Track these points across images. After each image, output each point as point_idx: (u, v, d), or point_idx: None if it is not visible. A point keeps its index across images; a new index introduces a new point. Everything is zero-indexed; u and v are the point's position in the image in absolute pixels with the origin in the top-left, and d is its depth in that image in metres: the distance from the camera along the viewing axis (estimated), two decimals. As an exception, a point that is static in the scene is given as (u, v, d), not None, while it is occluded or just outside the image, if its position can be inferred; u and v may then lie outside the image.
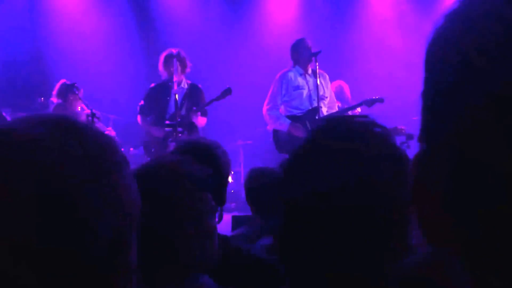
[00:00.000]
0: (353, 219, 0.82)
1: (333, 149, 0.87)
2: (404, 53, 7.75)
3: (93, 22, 7.68)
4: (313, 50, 5.37)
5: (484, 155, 0.35)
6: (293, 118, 5.44)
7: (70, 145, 0.65)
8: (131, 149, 6.45)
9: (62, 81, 5.95)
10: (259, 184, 2.68)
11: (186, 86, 5.48)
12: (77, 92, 5.75)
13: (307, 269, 0.86)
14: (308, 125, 5.39)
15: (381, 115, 1.14)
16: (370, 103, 5.58)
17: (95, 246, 0.64)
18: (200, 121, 5.35)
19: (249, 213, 2.81)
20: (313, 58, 5.31)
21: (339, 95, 6.34)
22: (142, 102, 5.53)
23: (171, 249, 1.35)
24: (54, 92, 5.97)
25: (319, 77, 5.39)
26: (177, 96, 5.23)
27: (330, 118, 0.92)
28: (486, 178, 0.35)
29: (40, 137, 0.64)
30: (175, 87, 5.31)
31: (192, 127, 5.19)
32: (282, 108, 5.52)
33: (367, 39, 8.16)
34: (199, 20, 8.18)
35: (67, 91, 5.83)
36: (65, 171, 0.63)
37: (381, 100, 5.53)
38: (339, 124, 0.92)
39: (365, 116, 0.93)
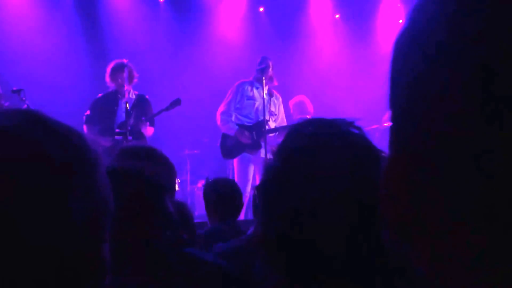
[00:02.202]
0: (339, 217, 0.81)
1: (314, 149, 0.86)
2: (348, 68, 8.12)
3: (36, 28, 7.50)
4: (261, 66, 5.60)
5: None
6: (242, 126, 5.70)
7: (41, 138, 0.63)
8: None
9: None
10: (219, 192, 2.97)
11: (133, 96, 5.53)
12: None
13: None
14: (254, 135, 5.65)
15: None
16: None
17: (74, 238, 0.63)
18: (148, 131, 5.43)
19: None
20: (262, 75, 5.55)
21: (302, 109, 6.58)
22: (88, 112, 5.52)
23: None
24: None
25: (272, 96, 5.71)
26: (128, 105, 5.26)
27: (309, 119, 0.95)
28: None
29: (14, 129, 0.63)
30: (126, 95, 5.36)
31: (140, 136, 5.25)
32: (234, 115, 5.77)
33: (313, 51, 8.45)
34: (147, 30, 8.16)
35: None
36: (40, 163, 0.62)
37: None
38: (319, 124, 0.90)
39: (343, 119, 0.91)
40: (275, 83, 5.75)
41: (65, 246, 0.63)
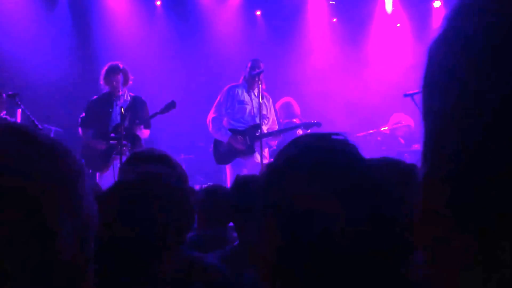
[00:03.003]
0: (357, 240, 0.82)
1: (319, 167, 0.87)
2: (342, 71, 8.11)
3: (30, 28, 7.51)
4: (257, 70, 5.55)
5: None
6: (234, 131, 5.64)
7: (24, 152, 0.62)
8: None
9: None
10: (212, 200, 2.94)
11: (128, 98, 5.49)
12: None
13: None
14: (248, 140, 5.60)
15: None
16: (307, 126, 5.81)
17: (58, 254, 0.61)
18: (144, 133, 5.38)
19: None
20: (257, 79, 5.49)
21: (288, 111, 6.55)
22: (83, 115, 5.49)
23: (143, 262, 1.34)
24: None
25: (263, 98, 5.63)
26: (123, 109, 5.19)
27: (310, 134, 0.98)
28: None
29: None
30: (121, 99, 5.32)
31: (135, 139, 5.20)
32: (225, 119, 5.72)
33: (310, 56, 8.44)
34: (144, 33, 8.18)
35: None
36: (22, 177, 0.61)
37: (318, 124, 5.75)
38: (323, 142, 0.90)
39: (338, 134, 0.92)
40: (264, 86, 5.70)
41: (52, 265, 0.61)
